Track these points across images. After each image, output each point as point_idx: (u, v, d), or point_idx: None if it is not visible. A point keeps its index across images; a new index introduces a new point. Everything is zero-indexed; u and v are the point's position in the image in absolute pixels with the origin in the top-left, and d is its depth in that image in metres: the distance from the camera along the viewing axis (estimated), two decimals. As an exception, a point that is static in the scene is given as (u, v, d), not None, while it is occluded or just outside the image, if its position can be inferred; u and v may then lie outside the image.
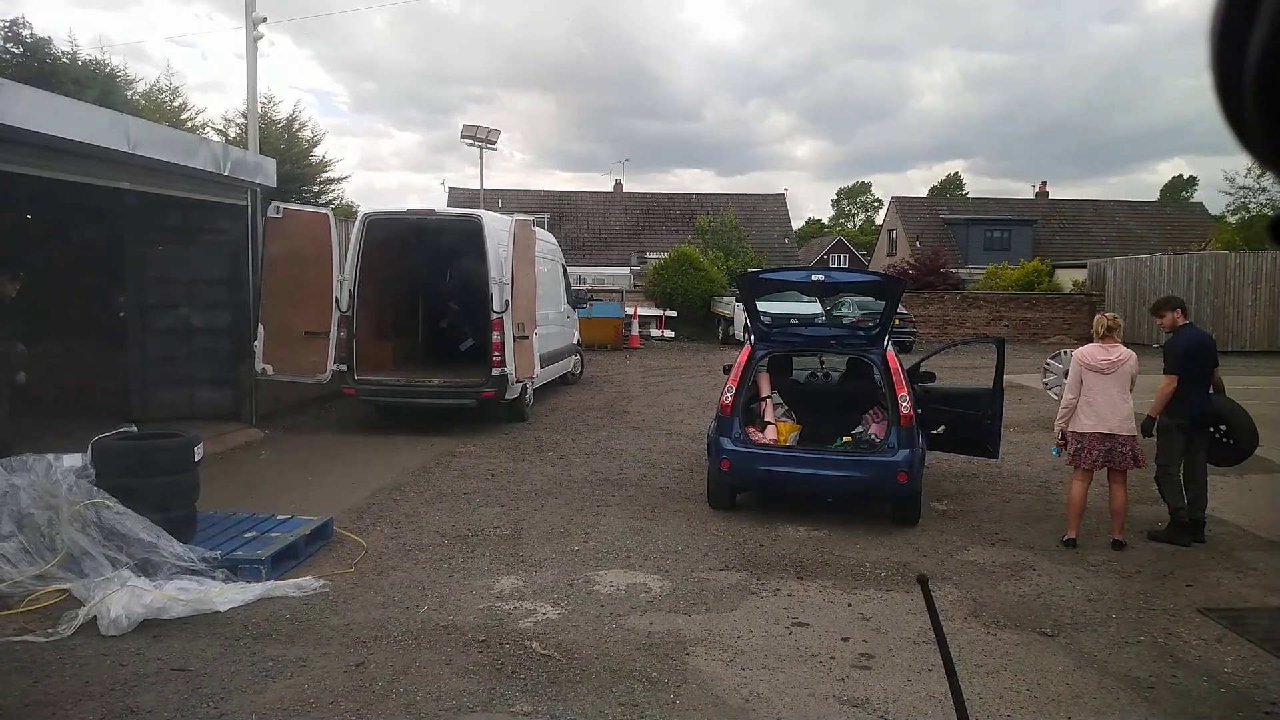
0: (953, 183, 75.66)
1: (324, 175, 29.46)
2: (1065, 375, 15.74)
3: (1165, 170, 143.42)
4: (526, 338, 10.63)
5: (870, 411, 7.78)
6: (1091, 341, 6.72)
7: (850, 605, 5.39)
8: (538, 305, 11.39)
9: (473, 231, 10.78)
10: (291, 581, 5.45)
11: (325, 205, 25.09)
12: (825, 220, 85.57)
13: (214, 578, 5.35)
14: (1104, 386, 6.42)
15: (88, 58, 20.49)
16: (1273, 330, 23.31)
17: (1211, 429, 6.80)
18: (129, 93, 22.95)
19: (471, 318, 12.60)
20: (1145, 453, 6.55)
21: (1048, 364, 15.00)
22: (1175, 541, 6.57)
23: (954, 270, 33.93)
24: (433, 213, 11.55)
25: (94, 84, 18.43)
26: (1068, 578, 5.93)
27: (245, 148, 13.95)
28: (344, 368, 10.53)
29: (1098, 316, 6.84)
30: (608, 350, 21.84)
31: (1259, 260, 23.70)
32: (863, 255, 55.23)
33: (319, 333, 10.27)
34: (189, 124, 26.16)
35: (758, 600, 5.46)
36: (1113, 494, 6.54)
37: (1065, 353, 15.35)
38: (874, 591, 5.62)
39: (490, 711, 4.01)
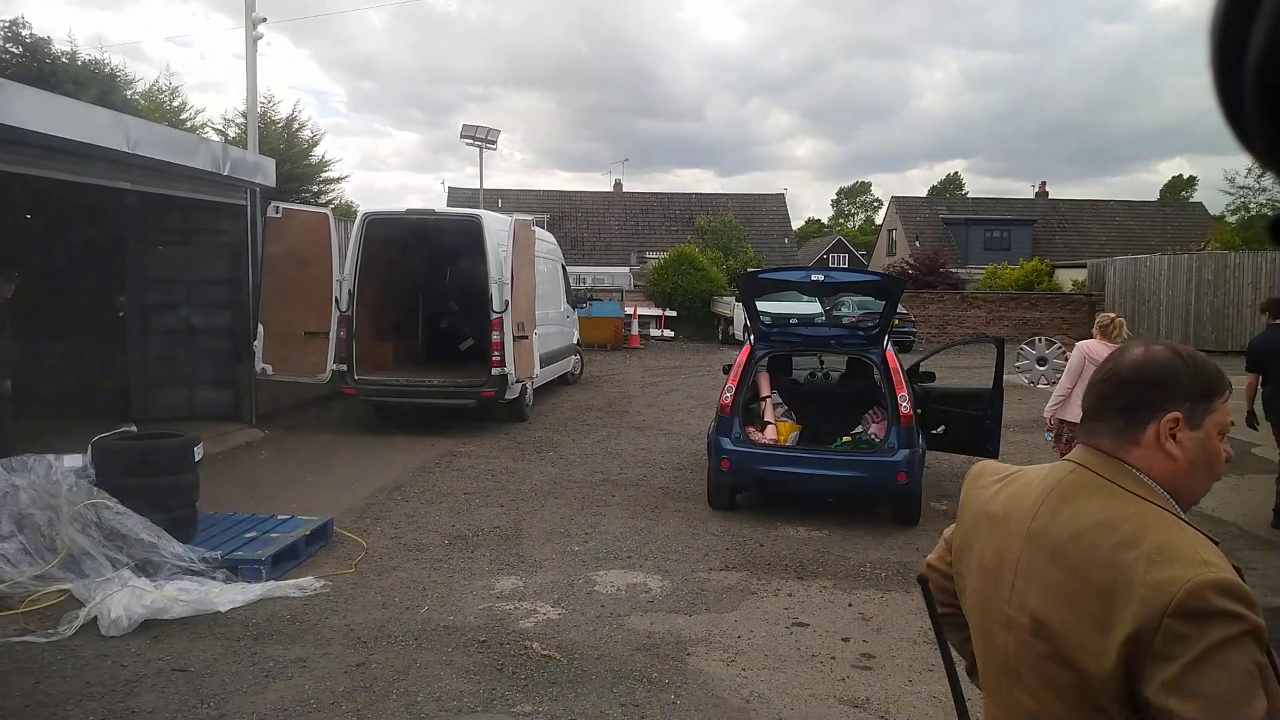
0: (953, 183, 75.64)
1: (323, 175, 29.39)
2: (1038, 361, 15.76)
3: (1165, 170, 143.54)
4: (526, 337, 10.63)
5: (870, 411, 7.78)
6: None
7: (851, 605, 5.39)
8: (538, 305, 11.39)
9: (472, 231, 10.78)
10: (292, 582, 5.45)
11: (325, 205, 25.08)
12: (825, 220, 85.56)
13: (214, 578, 5.36)
14: None
15: (87, 58, 20.47)
16: (1272, 330, 23.27)
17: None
18: (128, 93, 22.90)
19: (471, 318, 12.61)
20: None
21: (1021, 349, 15.06)
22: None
23: (954, 270, 33.93)
24: (432, 212, 11.55)
25: (93, 84, 18.40)
26: (1068, 577, 5.92)
27: (245, 148, 13.94)
28: (344, 368, 10.53)
29: (1115, 320, 6.84)
30: (608, 350, 21.83)
31: (1259, 260, 23.69)
32: (862, 255, 55.18)
33: (319, 333, 10.28)
34: (188, 124, 26.08)
35: (758, 600, 5.46)
36: None
37: (1040, 340, 15.46)
38: (874, 591, 5.63)
39: (491, 712, 4.01)
